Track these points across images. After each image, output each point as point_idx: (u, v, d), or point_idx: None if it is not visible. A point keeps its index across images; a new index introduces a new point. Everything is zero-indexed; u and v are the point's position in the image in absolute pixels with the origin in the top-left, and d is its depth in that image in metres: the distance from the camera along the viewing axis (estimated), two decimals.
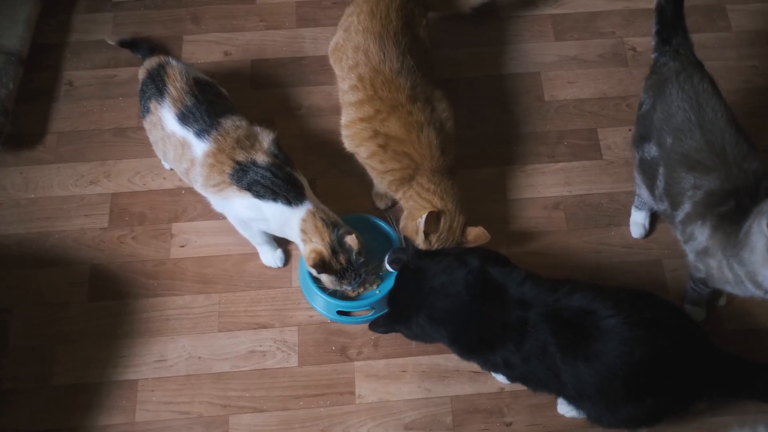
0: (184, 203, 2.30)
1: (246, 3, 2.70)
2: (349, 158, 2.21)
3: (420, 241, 2.02)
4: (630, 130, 2.40)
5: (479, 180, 2.35)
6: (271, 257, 2.18)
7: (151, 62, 2.12)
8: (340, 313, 2.09)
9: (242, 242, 2.19)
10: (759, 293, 1.64)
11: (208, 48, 2.60)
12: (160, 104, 2.02)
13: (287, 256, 2.21)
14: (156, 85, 2.05)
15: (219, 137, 1.97)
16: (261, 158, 1.97)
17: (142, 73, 2.15)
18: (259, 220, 2.01)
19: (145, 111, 2.09)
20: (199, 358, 2.08)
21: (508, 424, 1.99)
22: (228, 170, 1.95)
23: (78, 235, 2.25)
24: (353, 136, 2.10)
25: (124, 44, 2.49)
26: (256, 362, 2.07)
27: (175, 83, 2.03)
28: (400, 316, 1.83)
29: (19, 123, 2.43)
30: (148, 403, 2.02)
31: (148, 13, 2.68)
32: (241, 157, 1.96)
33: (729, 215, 1.67)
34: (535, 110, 2.47)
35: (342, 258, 1.93)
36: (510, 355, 1.73)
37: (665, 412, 1.79)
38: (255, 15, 2.68)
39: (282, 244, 2.21)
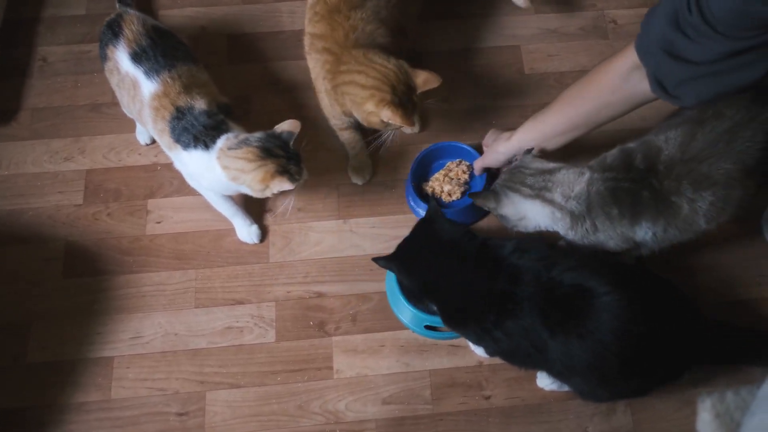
0: (160, 179, 2.27)
1: None
2: (328, 132, 2.19)
3: (394, 120, 1.92)
4: None
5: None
6: (246, 232, 2.15)
7: (111, 15, 2.06)
8: (428, 328, 2.04)
9: (219, 218, 2.17)
10: None
11: (183, 23, 2.57)
12: (115, 47, 1.97)
13: (264, 233, 2.19)
14: (113, 31, 1.99)
15: (168, 79, 1.91)
16: (199, 105, 1.90)
17: (103, 26, 2.07)
18: (197, 176, 1.96)
19: (103, 58, 2.04)
20: (176, 334, 2.06)
21: (487, 398, 1.99)
22: (168, 116, 1.90)
23: (52, 212, 2.22)
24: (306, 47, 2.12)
25: None
26: (233, 338, 2.06)
27: (132, 26, 1.97)
28: (401, 263, 1.85)
29: None
30: (124, 380, 2.00)
31: None
32: (182, 102, 1.90)
33: None
34: (515, 83, 2.45)
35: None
36: (494, 328, 1.72)
37: (656, 384, 1.80)
38: None
39: (258, 218, 2.18)
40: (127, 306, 2.10)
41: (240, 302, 2.10)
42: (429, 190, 2.22)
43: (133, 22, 1.99)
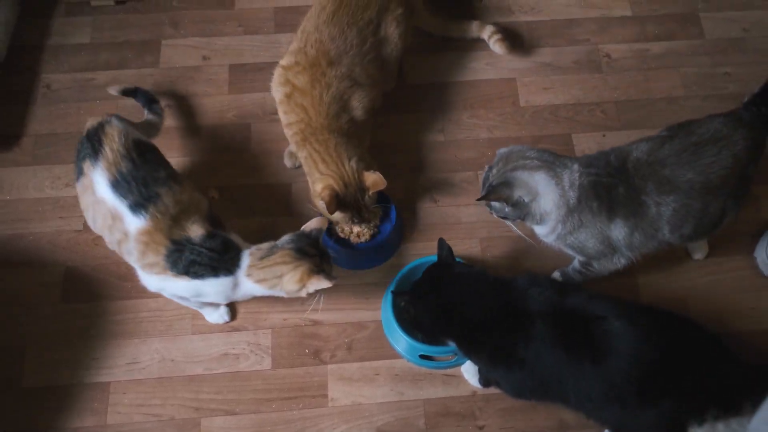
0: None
1: (225, 8, 2.72)
2: None
3: (328, 213, 2.03)
4: (604, 135, 2.43)
5: (453, 185, 2.36)
6: (217, 315, 2.11)
7: (92, 121, 1.95)
8: (422, 357, 2.06)
9: None
10: None
11: (186, 52, 2.61)
12: (93, 166, 1.86)
13: (233, 311, 2.15)
14: (92, 145, 1.88)
15: (157, 215, 1.81)
16: (194, 231, 1.84)
17: (84, 131, 1.97)
18: (202, 297, 1.90)
19: (79, 173, 1.92)
20: (172, 360, 2.08)
21: (481, 427, 2.00)
22: (164, 251, 1.82)
23: (52, 237, 2.24)
24: (274, 79, 2.19)
25: (126, 93, 2.35)
26: (229, 365, 2.07)
27: (113, 144, 1.87)
28: (413, 296, 1.87)
29: None
30: (120, 405, 2.01)
31: (127, 17, 2.69)
32: (176, 235, 1.83)
33: None
34: (510, 116, 2.49)
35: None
36: (510, 352, 1.74)
37: (686, 417, 1.76)
38: (234, 20, 2.69)
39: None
40: (124, 331, 2.11)
41: (236, 329, 2.12)
42: (339, 230, 2.22)
43: (114, 139, 1.87)
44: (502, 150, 1.91)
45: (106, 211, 1.85)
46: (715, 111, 1.97)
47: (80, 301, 2.14)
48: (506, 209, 1.86)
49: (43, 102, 2.50)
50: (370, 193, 2.06)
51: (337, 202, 2.00)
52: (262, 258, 1.82)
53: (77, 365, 2.06)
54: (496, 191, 1.83)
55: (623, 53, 2.63)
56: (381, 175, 2.02)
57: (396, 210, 2.22)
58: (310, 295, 1.84)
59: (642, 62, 2.61)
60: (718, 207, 1.86)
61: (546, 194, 1.81)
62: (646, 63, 2.61)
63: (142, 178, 1.85)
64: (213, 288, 1.83)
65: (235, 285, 1.83)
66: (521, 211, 1.84)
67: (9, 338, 2.09)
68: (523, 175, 1.82)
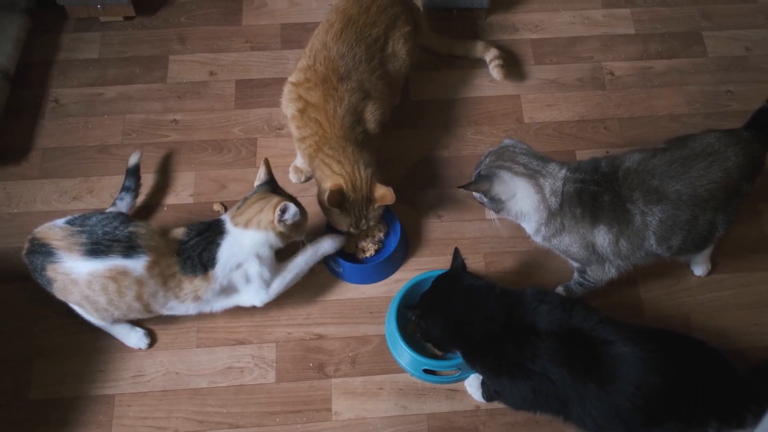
0: (166, 219, 2.32)
1: (232, 25, 2.75)
2: None
3: (332, 214, 2.09)
4: (608, 152, 2.45)
5: (457, 200, 2.38)
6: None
7: (25, 247, 1.93)
8: (426, 371, 2.07)
9: None
10: None
11: (193, 68, 2.64)
12: (57, 261, 1.85)
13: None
14: (39, 252, 1.88)
15: (149, 243, 1.88)
16: (180, 234, 1.95)
17: (24, 258, 1.94)
18: (242, 272, 1.97)
19: (47, 283, 1.91)
20: (177, 373, 2.08)
21: None
22: (176, 268, 1.90)
23: None
24: (285, 95, 2.21)
25: (133, 170, 2.28)
26: (233, 378, 2.08)
27: (55, 237, 1.87)
28: (423, 309, 1.89)
29: (5, 139, 2.45)
30: (125, 417, 2.02)
31: (136, 33, 2.72)
32: (172, 248, 1.91)
33: None
34: (514, 132, 2.51)
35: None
36: (514, 362, 1.75)
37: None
38: (241, 36, 2.72)
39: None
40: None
41: (241, 342, 2.13)
42: (344, 245, 2.22)
43: (52, 235, 1.88)
44: (507, 141, 1.98)
45: (103, 281, 1.85)
46: (717, 128, 1.99)
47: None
48: (484, 201, 1.94)
49: (52, 116, 2.53)
50: (376, 205, 2.08)
51: (340, 199, 2.02)
52: (239, 207, 1.97)
53: (83, 378, 2.07)
54: (477, 182, 1.92)
55: (627, 71, 2.65)
56: (392, 191, 2.05)
57: (401, 226, 2.23)
58: (291, 232, 1.98)
59: (645, 80, 2.63)
60: (707, 221, 1.87)
61: (523, 198, 1.88)
62: (649, 80, 2.63)
63: (105, 233, 1.87)
64: (229, 256, 1.92)
65: (236, 241, 1.93)
66: (497, 205, 1.92)
67: (15, 350, 2.10)
68: (505, 176, 1.89)
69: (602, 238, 1.86)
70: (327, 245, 2.12)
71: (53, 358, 2.09)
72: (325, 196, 2.01)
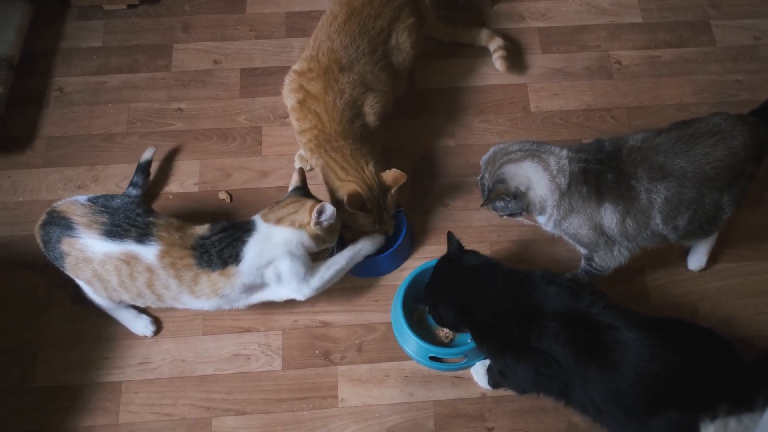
0: (171, 208, 2.31)
1: (236, 13, 2.74)
2: None
3: (357, 218, 2.06)
4: None
5: (462, 189, 2.37)
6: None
7: (40, 219, 1.95)
8: (432, 359, 2.07)
9: None
10: None
11: (197, 56, 2.63)
12: (75, 237, 1.86)
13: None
14: (57, 224, 1.88)
15: (163, 233, 1.87)
16: (200, 230, 1.92)
17: (37, 230, 1.95)
18: (264, 273, 1.93)
19: (59, 257, 1.90)
20: (183, 360, 2.08)
21: (490, 429, 2.00)
22: (192, 261, 1.87)
23: None
24: (286, 85, 2.19)
25: (144, 166, 2.24)
26: (239, 365, 2.08)
27: (76, 212, 1.88)
28: (432, 299, 1.89)
29: (9, 127, 2.44)
30: (132, 404, 2.02)
31: (140, 21, 2.71)
32: (190, 241, 1.88)
33: None
34: (521, 121, 2.50)
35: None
36: (520, 342, 1.75)
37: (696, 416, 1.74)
38: (245, 24, 2.71)
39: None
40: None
41: (247, 330, 2.13)
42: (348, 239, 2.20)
43: (74, 211, 1.89)
44: (485, 156, 1.97)
45: (117, 263, 1.86)
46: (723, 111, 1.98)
47: (91, 301, 2.14)
48: (509, 204, 1.89)
49: (56, 105, 2.52)
50: (393, 192, 2.07)
51: (361, 201, 2.01)
52: (272, 207, 1.95)
53: (89, 365, 2.07)
54: (494, 190, 1.88)
55: (634, 60, 2.64)
56: (399, 171, 2.05)
57: (406, 217, 2.22)
58: (325, 235, 1.95)
59: (653, 69, 2.62)
60: (712, 200, 1.86)
61: (537, 180, 1.85)
62: (656, 69, 2.62)
63: (126, 218, 1.88)
64: (258, 253, 1.88)
65: (266, 238, 1.90)
66: (522, 201, 1.88)
67: (22, 339, 2.10)
68: (511, 168, 1.88)
69: (609, 217, 1.85)
70: (368, 246, 2.08)
71: (59, 346, 2.09)
72: (346, 202, 1.99)
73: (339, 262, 2.02)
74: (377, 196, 2.05)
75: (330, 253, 2.04)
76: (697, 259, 2.21)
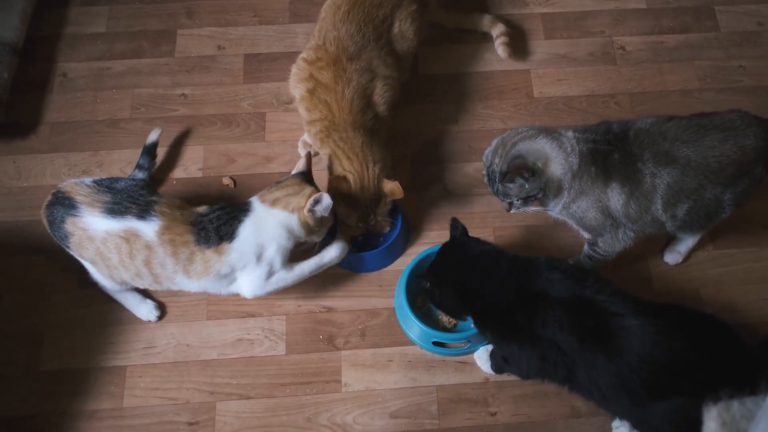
0: (175, 193, 2.32)
1: None
2: None
3: (340, 210, 2.06)
4: None
5: (465, 175, 2.37)
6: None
7: (46, 199, 1.96)
8: (435, 344, 2.08)
9: None
10: None
11: (201, 42, 2.63)
12: (78, 216, 1.88)
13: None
14: (62, 204, 1.90)
15: (165, 209, 1.89)
16: (202, 209, 1.94)
17: (43, 211, 1.96)
18: (260, 251, 1.93)
19: (64, 237, 1.92)
20: (188, 345, 2.10)
21: (493, 414, 2.01)
22: (191, 237, 1.88)
23: None
24: (294, 74, 2.19)
25: (150, 148, 2.26)
26: (243, 350, 2.09)
27: (80, 192, 1.90)
28: (434, 279, 1.89)
29: (13, 113, 2.45)
30: (136, 388, 2.03)
31: (143, 7, 2.71)
32: (190, 218, 1.90)
33: None
34: (524, 107, 2.50)
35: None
36: (524, 328, 1.76)
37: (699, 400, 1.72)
38: (249, 10, 2.71)
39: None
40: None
41: (251, 315, 2.14)
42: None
43: (77, 190, 1.91)
44: (489, 149, 1.94)
45: (117, 240, 1.87)
46: (730, 104, 1.98)
47: (97, 285, 2.15)
48: (527, 186, 1.84)
49: (60, 90, 2.53)
50: (387, 200, 2.08)
51: (342, 195, 2.02)
52: (270, 187, 1.95)
53: (94, 349, 2.08)
54: (513, 167, 1.82)
55: (638, 45, 2.63)
56: (399, 185, 2.04)
57: (402, 216, 2.22)
58: (315, 226, 1.94)
59: (656, 54, 2.61)
60: (713, 195, 1.86)
61: (555, 157, 1.83)
62: (660, 55, 2.61)
63: (129, 195, 1.90)
64: (251, 233, 1.89)
65: (262, 219, 1.90)
66: (540, 180, 1.82)
67: (27, 323, 2.12)
68: (526, 144, 1.85)
69: (616, 198, 1.85)
70: (332, 253, 2.04)
71: (65, 330, 2.10)
72: (328, 183, 2.01)
73: (303, 270, 2.00)
74: (368, 198, 2.05)
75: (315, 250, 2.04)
76: (675, 254, 2.21)
